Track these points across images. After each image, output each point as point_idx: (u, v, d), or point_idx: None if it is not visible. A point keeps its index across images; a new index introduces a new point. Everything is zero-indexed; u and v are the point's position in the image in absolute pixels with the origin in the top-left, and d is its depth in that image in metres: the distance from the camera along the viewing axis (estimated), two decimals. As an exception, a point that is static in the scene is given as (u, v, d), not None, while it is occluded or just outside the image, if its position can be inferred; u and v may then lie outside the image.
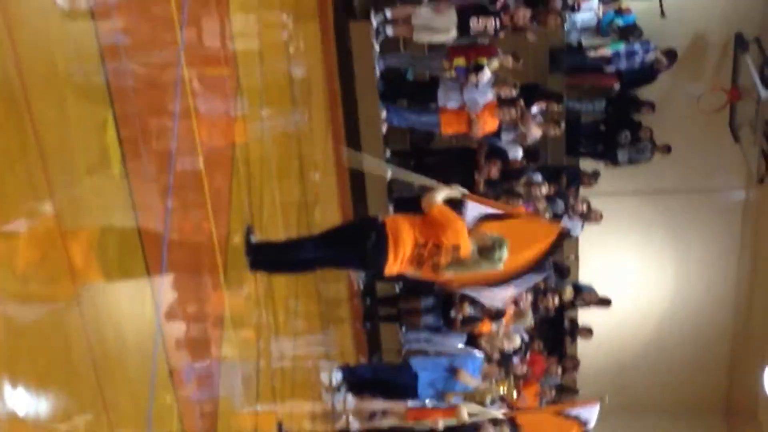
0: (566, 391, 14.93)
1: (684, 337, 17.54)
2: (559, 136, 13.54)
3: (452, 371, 10.82)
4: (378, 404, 11.09)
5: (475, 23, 11.44)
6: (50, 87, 4.42)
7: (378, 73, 12.20)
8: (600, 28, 13.87)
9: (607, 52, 13.87)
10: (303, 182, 9.98)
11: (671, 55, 14.30)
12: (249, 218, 7.62)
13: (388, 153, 12.77)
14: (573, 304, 14.62)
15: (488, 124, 11.90)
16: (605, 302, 14.50)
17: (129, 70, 5.37)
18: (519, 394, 12.84)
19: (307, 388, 9.86)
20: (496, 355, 12.03)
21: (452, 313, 12.39)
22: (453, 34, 11.66)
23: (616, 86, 14.33)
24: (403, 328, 13.31)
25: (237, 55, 7.71)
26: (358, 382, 10.87)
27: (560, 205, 13.52)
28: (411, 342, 13.10)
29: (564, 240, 8.51)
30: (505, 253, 7.08)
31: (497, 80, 11.98)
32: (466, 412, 10.58)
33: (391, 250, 7.08)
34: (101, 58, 4.89)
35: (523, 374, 13.07)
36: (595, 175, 14.42)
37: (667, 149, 14.89)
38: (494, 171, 12.37)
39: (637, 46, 13.96)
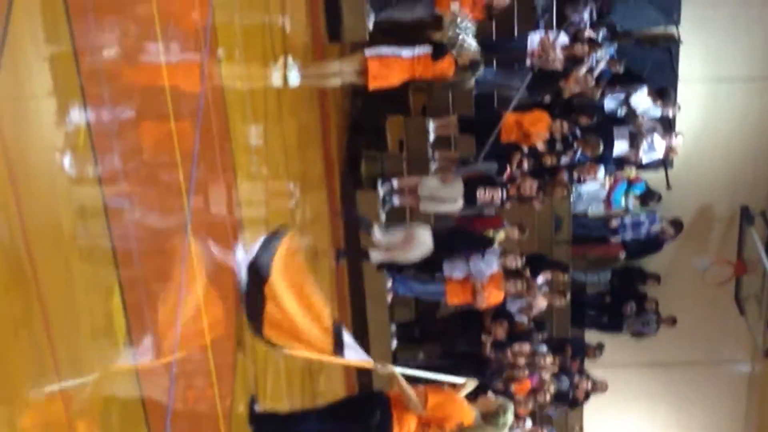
0: None
1: None
2: (564, 307, 13.50)
3: None
4: None
5: (482, 194, 11.53)
6: (56, 252, 4.39)
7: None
8: (611, 200, 13.98)
9: (616, 222, 14.00)
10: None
11: (677, 225, 14.39)
12: (253, 386, 7.50)
13: (393, 327, 12.75)
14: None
15: (493, 296, 11.87)
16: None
17: (135, 236, 5.36)
18: None
19: None
20: None
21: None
22: (459, 204, 11.74)
23: (622, 255, 14.35)
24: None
25: (243, 222, 7.73)
26: None
27: (565, 382, 13.40)
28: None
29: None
30: (510, 418, 7.02)
31: (503, 251, 12.02)
32: None
33: (395, 428, 7.05)
34: (107, 223, 4.88)
35: None
36: (600, 347, 14.35)
37: (673, 321, 14.83)
38: (501, 332, 12.29)
39: (643, 217, 14.06)
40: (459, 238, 12.00)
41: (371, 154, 12.57)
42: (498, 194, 11.51)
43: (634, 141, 12.87)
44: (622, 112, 13.39)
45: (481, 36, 10.88)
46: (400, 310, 13.17)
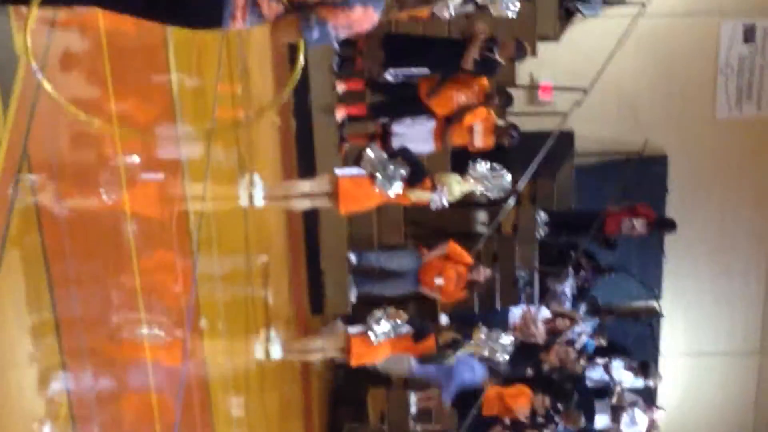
0: None
1: None
2: None
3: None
4: None
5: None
6: None
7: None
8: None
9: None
10: None
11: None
12: None
13: None
14: None
15: None
16: None
17: None
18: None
19: None
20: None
21: None
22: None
23: None
24: None
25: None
26: None
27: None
28: None
29: None
30: None
31: None
32: None
33: None
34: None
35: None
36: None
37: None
38: None
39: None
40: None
41: (353, 427, 12.47)
42: None
43: (616, 415, 12.81)
44: (603, 383, 13.38)
45: (462, 310, 10.99)
46: None
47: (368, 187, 9.34)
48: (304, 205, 9.75)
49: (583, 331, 12.85)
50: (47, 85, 3.74)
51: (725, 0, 14.44)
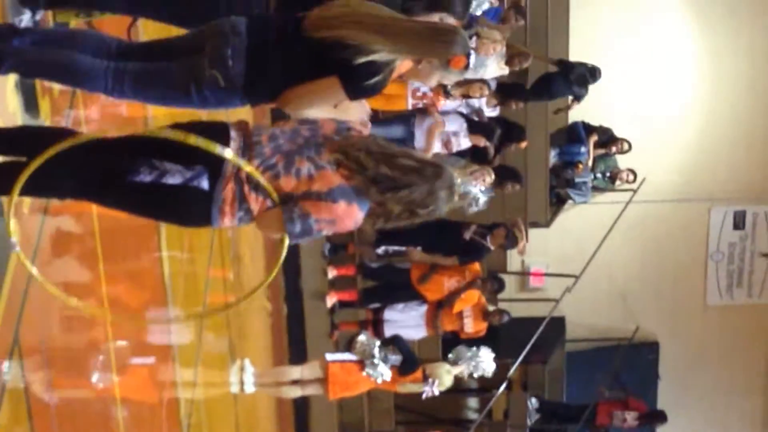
0: None
1: None
2: None
3: None
4: None
5: None
6: None
7: None
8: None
9: None
10: None
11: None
12: None
13: None
14: None
15: None
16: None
17: None
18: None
19: None
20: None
21: None
22: None
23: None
24: None
25: None
26: None
27: None
28: None
29: None
30: None
31: None
32: None
33: None
34: None
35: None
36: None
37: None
38: None
39: None
40: None
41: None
42: None
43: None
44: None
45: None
46: None
47: (358, 373, 9.33)
48: (295, 393, 9.68)
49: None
50: (32, 268, 3.69)
51: (715, 186, 14.65)
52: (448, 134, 9.94)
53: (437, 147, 9.90)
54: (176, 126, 3.70)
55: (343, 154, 3.69)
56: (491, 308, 10.83)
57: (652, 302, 14.83)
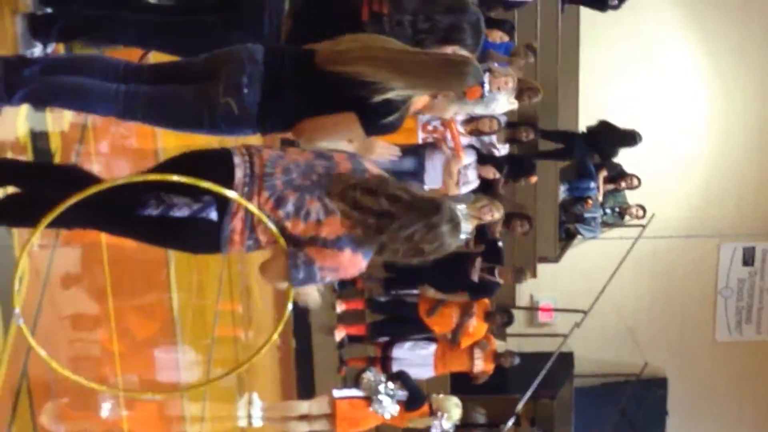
0: None
1: None
2: None
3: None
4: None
5: None
6: None
7: None
8: None
9: None
10: None
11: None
12: None
13: None
14: None
15: None
16: None
17: None
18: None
19: None
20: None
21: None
22: None
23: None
24: None
25: None
26: None
27: None
28: None
29: None
30: None
31: None
32: None
33: None
34: None
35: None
36: None
37: None
38: None
39: None
40: None
41: None
42: None
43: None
44: None
45: None
46: None
47: (365, 410, 9.33)
48: (303, 429, 9.61)
49: None
50: (39, 349, 3.51)
51: (725, 223, 14.64)
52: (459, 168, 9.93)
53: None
54: (181, 156, 3.69)
55: (344, 202, 3.62)
56: (501, 350, 10.81)
57: (661, 338, 14.78)
